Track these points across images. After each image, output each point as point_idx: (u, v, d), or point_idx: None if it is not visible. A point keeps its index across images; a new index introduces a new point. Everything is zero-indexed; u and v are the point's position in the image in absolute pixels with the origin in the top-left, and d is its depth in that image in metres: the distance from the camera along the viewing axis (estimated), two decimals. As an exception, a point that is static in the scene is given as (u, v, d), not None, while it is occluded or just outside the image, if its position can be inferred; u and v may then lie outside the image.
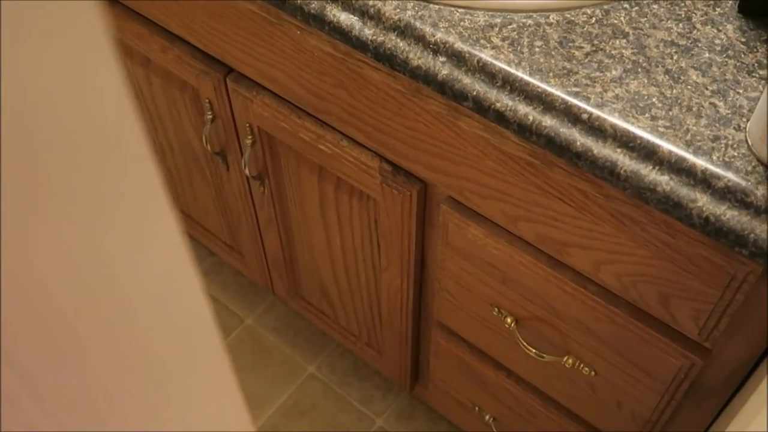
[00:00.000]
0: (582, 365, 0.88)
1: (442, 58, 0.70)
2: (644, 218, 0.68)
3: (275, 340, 1.49)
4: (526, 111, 0.67)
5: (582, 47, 0.69)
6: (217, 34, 0.94)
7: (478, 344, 1.02)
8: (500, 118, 0.69)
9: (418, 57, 0.71)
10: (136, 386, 0.27)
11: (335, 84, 0.84)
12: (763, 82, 0.66)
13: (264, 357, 1.47)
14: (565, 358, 0.88)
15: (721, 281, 0.67)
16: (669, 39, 0.69)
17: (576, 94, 0.66)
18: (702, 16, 0.71)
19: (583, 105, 0.65)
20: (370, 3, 0.73)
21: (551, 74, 0.67)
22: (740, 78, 0.66)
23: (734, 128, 0.63)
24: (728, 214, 0.60)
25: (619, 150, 0.64)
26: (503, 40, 0.70)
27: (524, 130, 0.68)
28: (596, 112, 0.65)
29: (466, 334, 1.02)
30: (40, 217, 0.20)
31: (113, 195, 0.22)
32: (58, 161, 0.20)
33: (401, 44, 0.72)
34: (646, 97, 0.65)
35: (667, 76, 0.67)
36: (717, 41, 0.69)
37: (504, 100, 0.68)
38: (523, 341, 0.91)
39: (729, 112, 0.64)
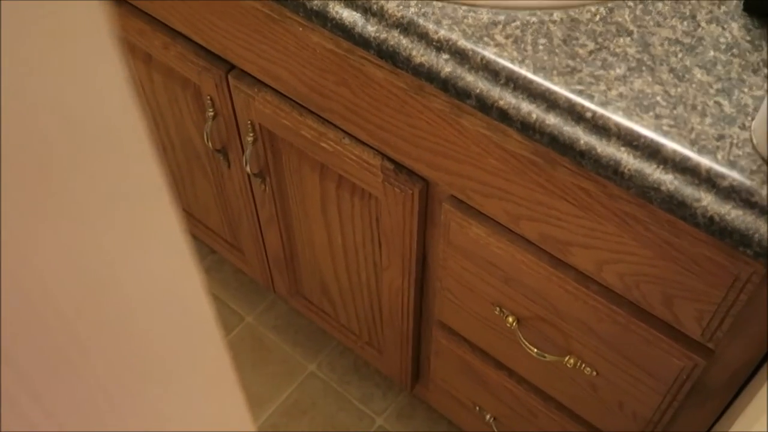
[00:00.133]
0: (584, 365, 0.87)
1: (445, 56, 0.70)
2: (648, 218, 0.68)
3: (275, 338, 1.49)
4: (529, 109, 0.67)
5: (586, 45, 0.69)
6: (220, 31, 0.93)
7: (479, 344, 1.01)
8: (503, 116, 0.68)
9: (421, 54, 0.71)
10: (136, 386, 0.27)
11: (337, 81, 0.84)
12: (768, 81, 0.66)
13: (264, 355, 1.47)
14: (567, 358, 0.88)
15: (724, 281, 0.66)
16: (673, 37, 0.69)
17: (580, 92, 0.65)
18: (707, 15, 0.71)
19: (586, 103, 0.65)
20: (373, 0, 0.73)
21: (555, 72, 0.67)
22: (745, 76, 0.66)
23: (739, 127, 0.62)
24: (733, 214, 0.60)
25: (622, 148, 0.64)
26: (507, 37, 0.69)
27: (527, 129, 0.67)
28: (600, 110, 0.64)
29: (467, 333, 1.01)
30: (41, 217, 0.20)
31: (115, 194, 0.22)
32: (59, 160, 0.20)
33: (404, 41, 0.72)
34: (650, 96, 0.65)
35: (671, 75, 0.66)
36: (722, 39, 0.69)
37: (507, 98, 0.68)
38: (524, 341, 0.91)
39: (734, 110, 0.64)
